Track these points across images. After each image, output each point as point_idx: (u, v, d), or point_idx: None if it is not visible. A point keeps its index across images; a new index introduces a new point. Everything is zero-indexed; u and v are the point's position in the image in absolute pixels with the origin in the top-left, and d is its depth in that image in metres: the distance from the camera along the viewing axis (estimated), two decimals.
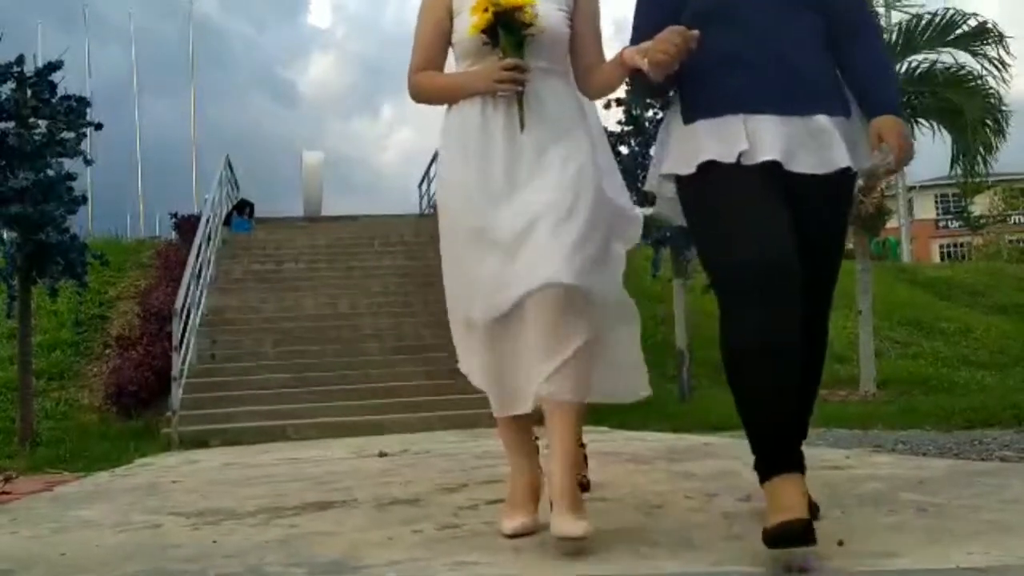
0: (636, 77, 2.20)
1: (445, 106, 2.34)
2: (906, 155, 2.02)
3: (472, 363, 2.24)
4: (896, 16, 9.15)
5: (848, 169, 2.06)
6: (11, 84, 7.00)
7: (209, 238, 11.12)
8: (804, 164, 2.03)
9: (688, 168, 2.08)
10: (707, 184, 2.05)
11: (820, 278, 2.12)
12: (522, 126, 2.17)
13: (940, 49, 8.91)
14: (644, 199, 4.96)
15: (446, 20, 2.30)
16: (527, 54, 2.18)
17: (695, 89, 2.14)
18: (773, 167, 2.00)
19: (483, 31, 2.18)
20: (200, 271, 10.00)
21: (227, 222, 13.74)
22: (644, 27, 2.15)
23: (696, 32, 1.97)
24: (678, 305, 9.52)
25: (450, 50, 2.35)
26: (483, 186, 2.18)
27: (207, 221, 10.99)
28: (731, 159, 2.01)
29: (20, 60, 7.06)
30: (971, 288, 15.20)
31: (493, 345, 2.14)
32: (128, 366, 8.86)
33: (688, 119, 2.14)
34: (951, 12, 8.86)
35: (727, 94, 2.08)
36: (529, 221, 2.10)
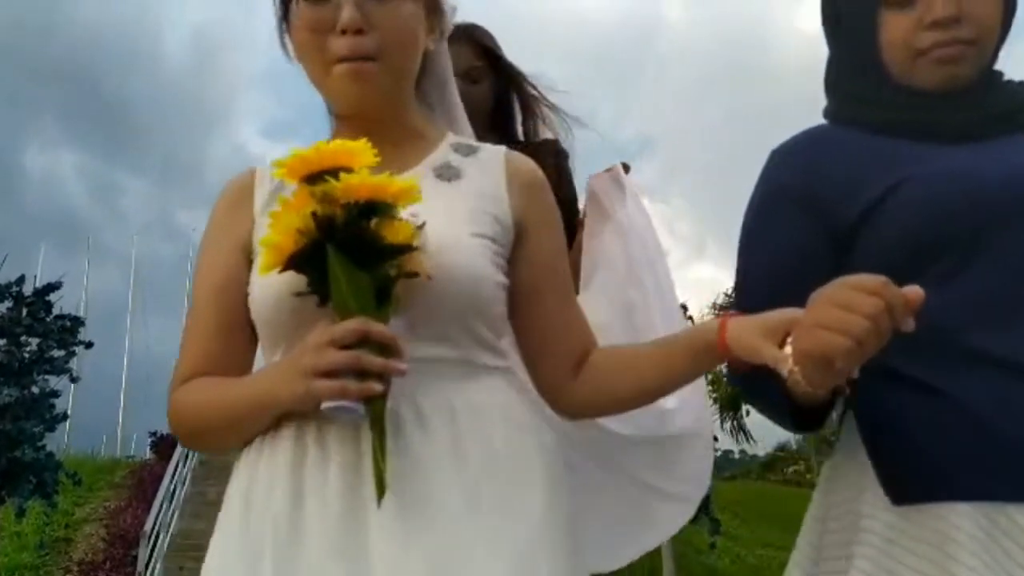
0: (754, 389, 1.13)
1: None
2: None
3: None
4: None
5: None
6: (8, 303, 7.18)
7: (187, 457, 10.94)
8: None
9: None
10: None
11: None
12: (380, 493, 0.91)
13: None
14: None
15: (241, 267, 1.11)
16: (400, 322, 0.97)
17: (919, 423, 1.07)
18: None
19: (293, 262, 0.95)
20: (174, 492, 9.76)
21: None
22: (764, 273, 1.17)
23: (917, 290, 0.87)
24: None
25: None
26: None
27: None
28: None
29: (20, 280, 7.29)
30: None
31: None
32: None
33: (903, 494, 1.05)
34: None
35: (1004, 447, 1.01)
36: None
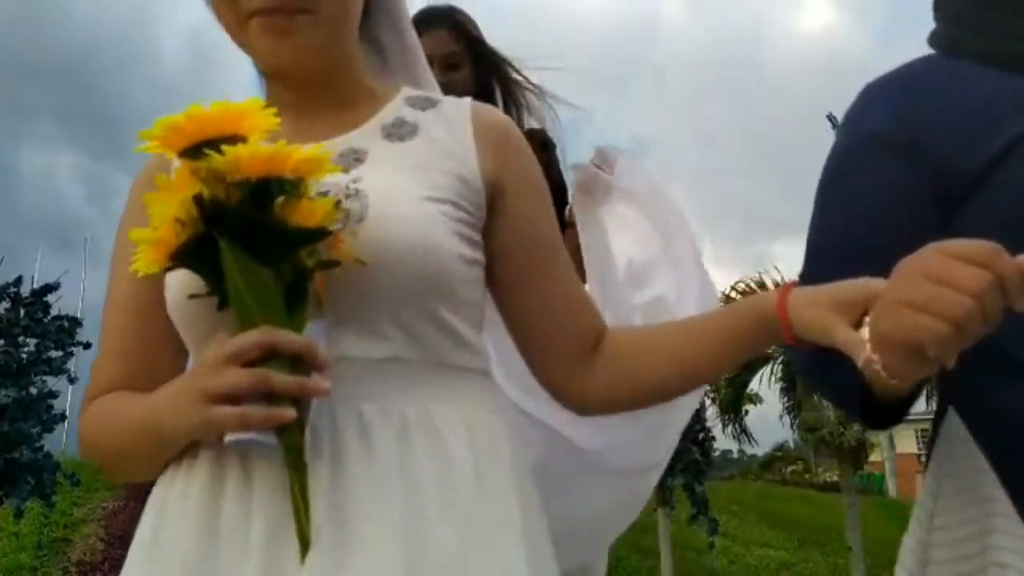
0: (817, 372, 0.97)
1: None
2: None
3: None
4: None
5: None
6: (6, 304, 7.18)
7: None
8: None
9: None
10: None
11: None
12: (303, 548, 0.73)
13: None
14: None
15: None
16: (320, 325, 0.80)
17: None
18: None
19: (179, 259, 0.76)
20: None
21: None
22: (847, 237, 0.95)
23: None
24: (663, 537, 9.27)
25: None
26: None
27: None
28: None
29: (18, 281, 7.28)
30: None
31: None
32: None
33: None
34: None
35: None
36: None
